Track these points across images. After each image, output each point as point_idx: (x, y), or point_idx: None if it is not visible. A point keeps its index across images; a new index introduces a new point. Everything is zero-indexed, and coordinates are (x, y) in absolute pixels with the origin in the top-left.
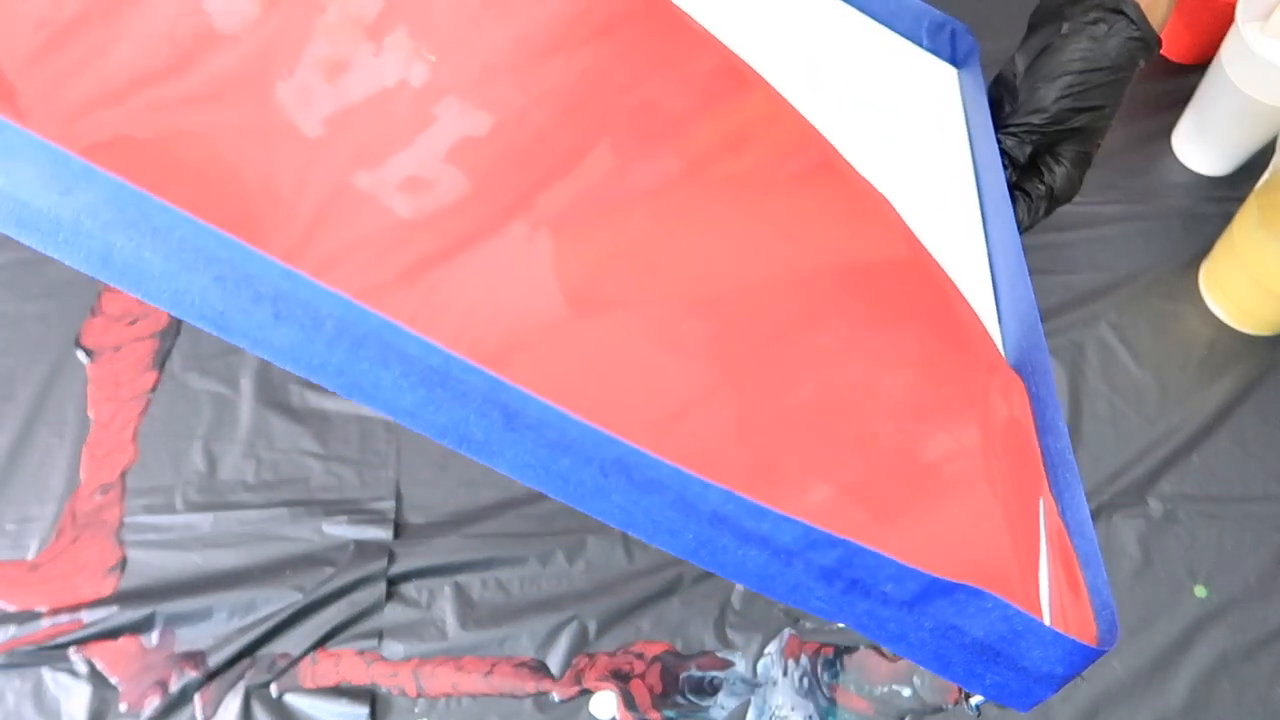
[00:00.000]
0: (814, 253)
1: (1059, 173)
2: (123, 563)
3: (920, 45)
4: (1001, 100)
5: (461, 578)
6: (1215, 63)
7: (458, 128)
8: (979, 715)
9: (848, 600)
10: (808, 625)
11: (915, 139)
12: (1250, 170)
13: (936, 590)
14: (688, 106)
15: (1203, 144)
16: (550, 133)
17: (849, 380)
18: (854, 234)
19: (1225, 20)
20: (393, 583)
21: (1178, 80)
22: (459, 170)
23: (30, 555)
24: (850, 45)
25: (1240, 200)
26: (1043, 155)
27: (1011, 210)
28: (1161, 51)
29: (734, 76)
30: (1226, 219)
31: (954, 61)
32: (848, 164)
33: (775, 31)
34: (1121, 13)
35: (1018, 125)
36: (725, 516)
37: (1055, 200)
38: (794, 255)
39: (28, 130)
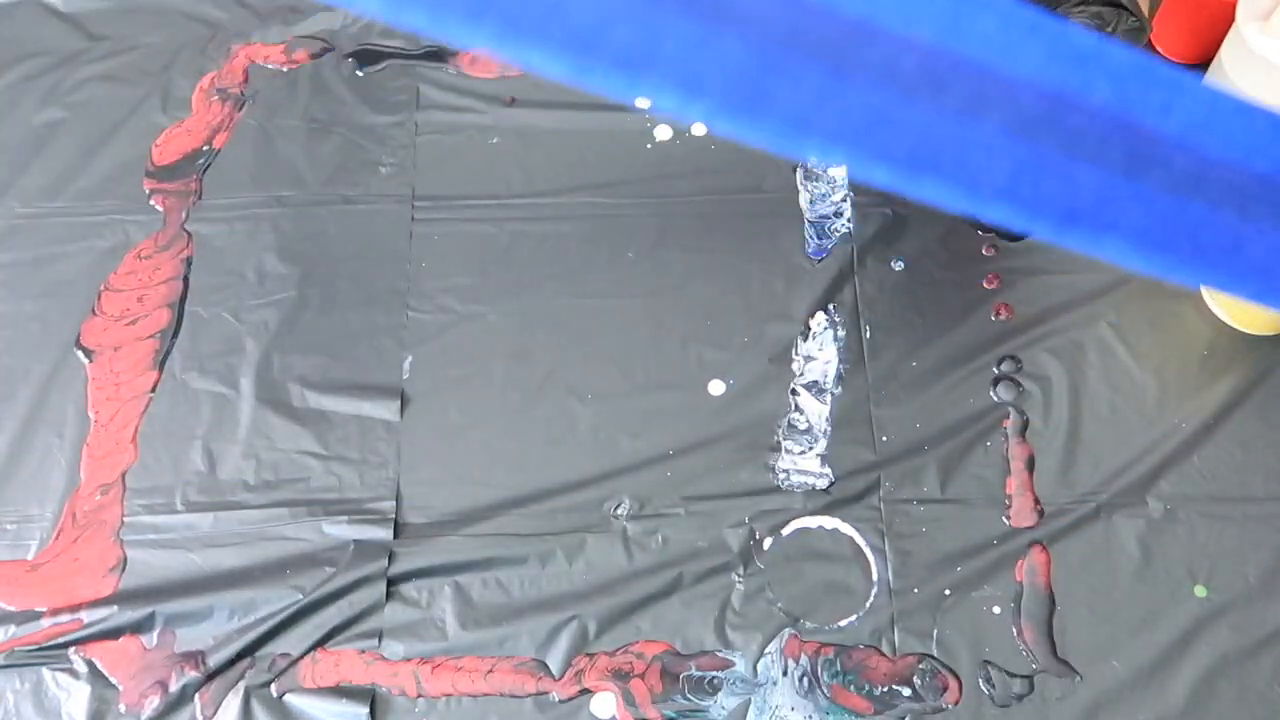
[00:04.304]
0: None
1: None
2: (123, 563)
3: None
4: None
5: (461, 578)
6: (1215, 63)
7: None
8: None
9: None
10: (808, 625)
11: None
12: None
13: None
14: None
15: None
16: None
17: None
18: None
19: (1225, 20)
20: (393, 583)
21: None
22: None
23: (30, 555)
24: None
25: None
26: None
27: None
28: (1162, 51)
29: None
30: None
31: None
32: None
33: None
34: (1120, 6)
35: None
36: None
37: None
38: None
39: None
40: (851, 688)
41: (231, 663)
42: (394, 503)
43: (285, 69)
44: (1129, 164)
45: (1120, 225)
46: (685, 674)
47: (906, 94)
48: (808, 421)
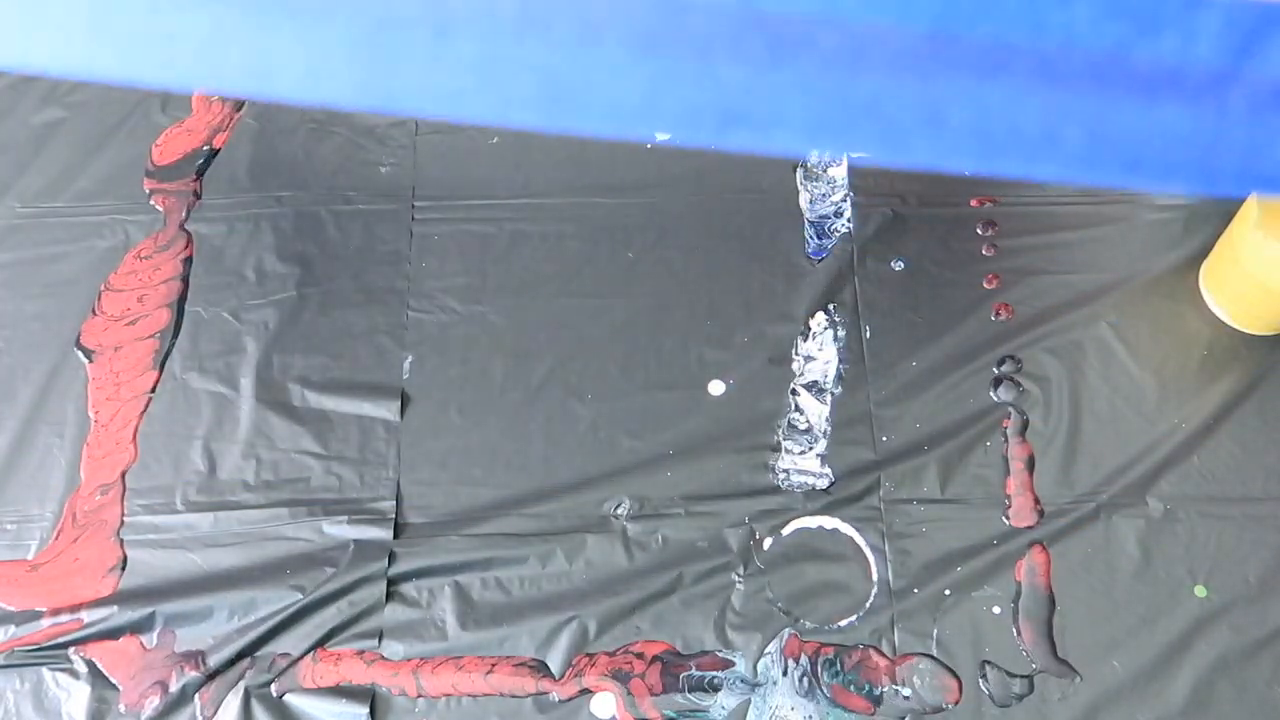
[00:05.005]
0: None
1: None
2: (123, 563)
3: None
4: None
5: (461, 578)
6: None
7: None
8: None
9: None
10: (807, 625)
11: None
12: None
13: None
14: None
15: None
16: None
17: None
18: None
19: None
20: (393, 583)
21: None
22: None
23: (30, 555)
24: None
25: (1240, 200)
26: None
27: None
28: None
29: None
30: (1226, 219)
31: None
32: None
33: None
34: None
35: None
36: None
37: None
38: None
39: None
40: (851, 688)
41: (231, 663)
42: (394, 503)
43: None
44: (771, 53)
45: (787, 118)
46: (685, 674)
47: (517, 38)
48: (808, 421)
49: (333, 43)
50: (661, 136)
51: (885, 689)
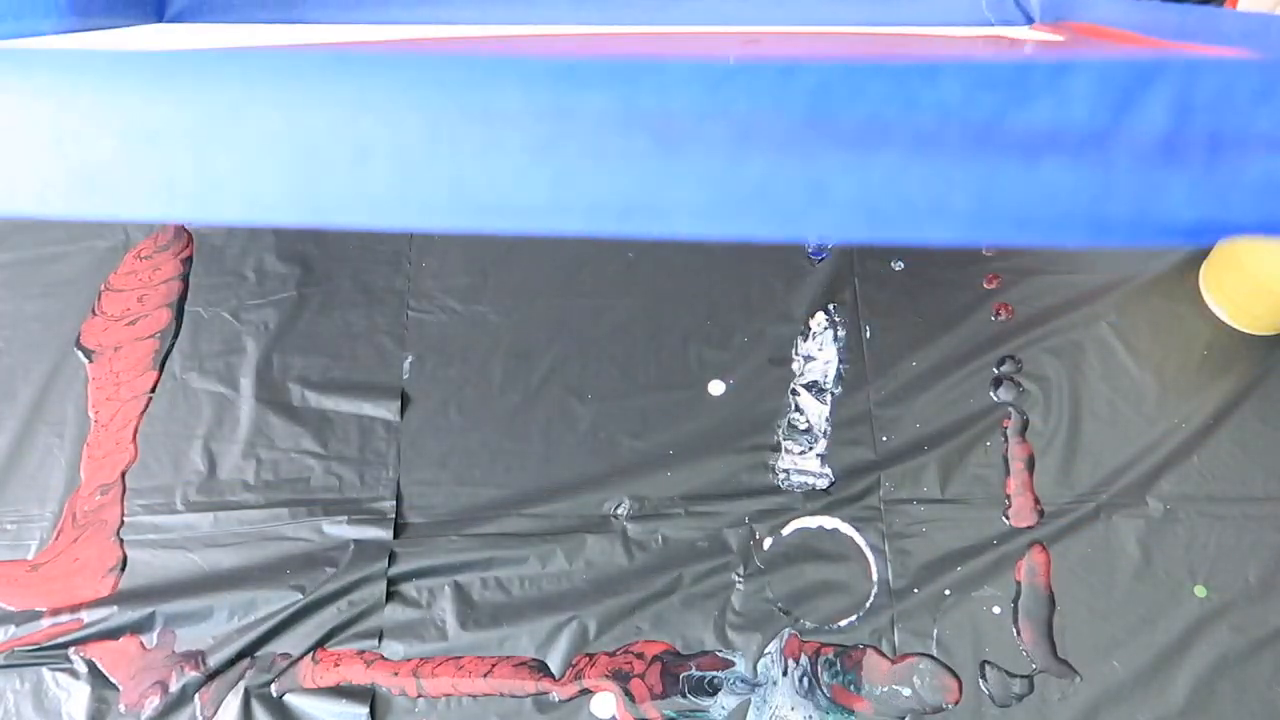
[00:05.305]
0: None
1: None
2: (123, 563)
3: (990, 25)
4: None
5: (461, 578)
6: None
7: None
8: None
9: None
10: (807, 625)
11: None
12: None
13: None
14: None
15: None
16: None
17: None
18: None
19: None
20: (393, 583)
21: None
22: None
23: (30, 555)
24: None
25: None
26: None
27: None
28: None
29: None
30: None
31: (1029, 22)
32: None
33: None
34: None
35: None
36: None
37: None
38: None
39: None
40: (851, 688)
41: (231, 663)
42: (394, 503)
43: None
44: (659, 148)
45: (682, 207)
46: (685, 674)
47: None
48: (808, 421)
49: (267, 173)
50: None
51: (885, 689)
